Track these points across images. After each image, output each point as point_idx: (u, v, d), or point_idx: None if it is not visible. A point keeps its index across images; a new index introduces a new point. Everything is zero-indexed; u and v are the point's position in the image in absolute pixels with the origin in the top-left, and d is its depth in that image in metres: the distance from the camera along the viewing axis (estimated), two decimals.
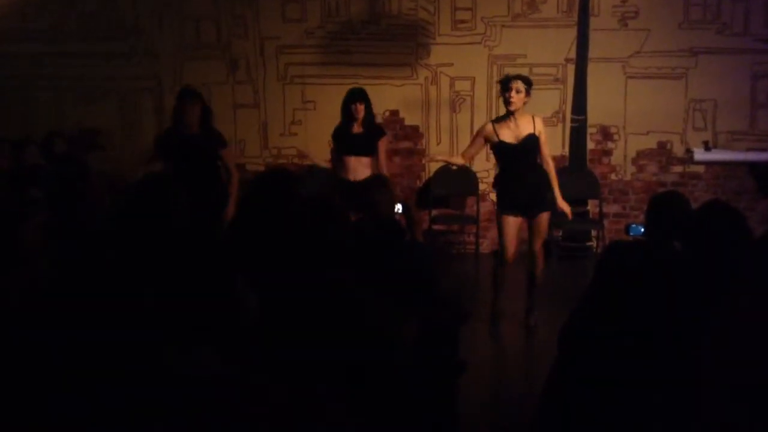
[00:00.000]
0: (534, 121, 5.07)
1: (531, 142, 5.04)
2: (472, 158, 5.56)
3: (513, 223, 5.11)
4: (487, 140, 5.15)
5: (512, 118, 5.04)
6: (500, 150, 5.10)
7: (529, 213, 5.14)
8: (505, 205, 5.15)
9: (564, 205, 5.20)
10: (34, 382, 2.05)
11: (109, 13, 7.43)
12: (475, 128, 6.08)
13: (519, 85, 4.96)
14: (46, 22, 7.45)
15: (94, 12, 7.43)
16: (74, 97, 7.52)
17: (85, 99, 7.53)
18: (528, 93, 5.01)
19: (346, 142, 5.65)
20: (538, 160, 5.17)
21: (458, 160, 5.63)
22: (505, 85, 5.02)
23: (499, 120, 5.18)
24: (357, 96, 5.62)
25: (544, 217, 5.17)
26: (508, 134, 5.04)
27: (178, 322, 2.23)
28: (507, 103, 5.00)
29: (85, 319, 2.16)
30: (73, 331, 2.12)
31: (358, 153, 5.63)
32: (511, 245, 5.11)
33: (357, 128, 5.65)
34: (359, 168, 5.62)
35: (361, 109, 5.59)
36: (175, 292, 2.32)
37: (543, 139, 5.10)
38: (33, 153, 6.29)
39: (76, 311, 2.19)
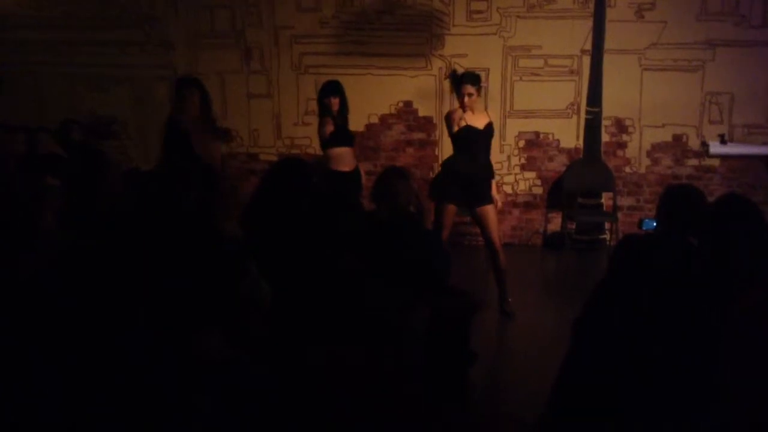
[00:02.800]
0: (488, 115, 5.52)
1: (492, 129, 5.44)
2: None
3: (451, 212, 5.41)
4: (455, 122, 5.35)
5: (469, 110, 5.35)
6: (466, 134, 5.34)
7: (473, 204, 5.41)
8: (449, 194, 5.36)
9: (497, 197, 5.57)
10: (41, 373, 2.05)
11: (124, 2, 7.44)
12: None
13: (470, 89, 5.28)
14: (60, 10, 7.46)
15: (108, 0, 7.44)
16: (88, 85, 7.54)
17: (98, 87, 7.54)
18: (479, 92, 5.38)
19: (338, 135, 5.58)
20: None
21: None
22: (457, 87, 5.34)
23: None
24: (332, 90, 5.60)
25: (491, 209, 5.42)
26: (473, 120, 5.35)
27: (190, 312, 2.24)
28: (462, 105, 5.32)
29: (94, 309, 2.16)
30: (81, 320, 2.12)
31: (351, 143, 5.67)
32: (445, 231, 5.37)
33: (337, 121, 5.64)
34: (351, 158, 5.65)
35: (336, 103, 5.55)
36: (185, 283, 2.32)
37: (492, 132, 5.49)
38: (46, 140, 6.31)
39: (84, 301, 2.19)
